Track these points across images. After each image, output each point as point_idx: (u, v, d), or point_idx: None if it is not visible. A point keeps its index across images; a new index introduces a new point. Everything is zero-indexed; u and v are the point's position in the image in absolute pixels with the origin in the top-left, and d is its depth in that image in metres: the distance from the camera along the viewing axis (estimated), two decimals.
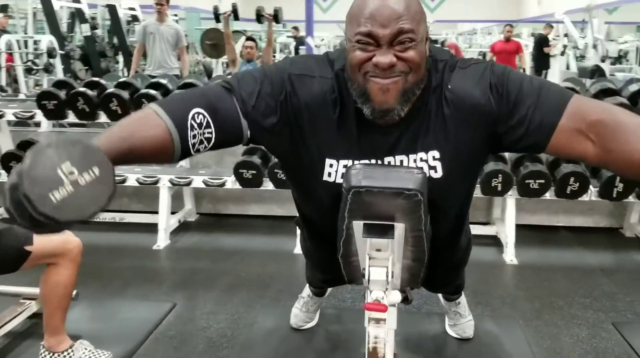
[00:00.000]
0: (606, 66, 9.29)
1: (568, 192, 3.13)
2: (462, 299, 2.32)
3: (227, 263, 3.22)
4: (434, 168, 1.30)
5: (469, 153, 1.30)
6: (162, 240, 3.48)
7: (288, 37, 12.16)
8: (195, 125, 1.18)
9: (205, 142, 1.22)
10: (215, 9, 5.82)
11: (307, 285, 2.40)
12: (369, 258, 1.37)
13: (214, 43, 8.11)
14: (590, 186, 3.14)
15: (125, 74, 7.96)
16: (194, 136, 1.19)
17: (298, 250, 3.38)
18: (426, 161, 1.29)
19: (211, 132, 1.22)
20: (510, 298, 2.76)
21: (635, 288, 2.92)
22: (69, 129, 4.91)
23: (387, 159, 1.30)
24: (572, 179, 3.10)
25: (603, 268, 3.15)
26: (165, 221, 3.51)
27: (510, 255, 3.22)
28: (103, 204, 0.97)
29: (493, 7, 19.44)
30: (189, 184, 3.50)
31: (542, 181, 3.12)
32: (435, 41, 13.83)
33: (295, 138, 1.32)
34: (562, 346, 2.35)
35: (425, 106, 1.26)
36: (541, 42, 10.16)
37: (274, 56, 8.57)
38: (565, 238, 3.62)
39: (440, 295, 2.37)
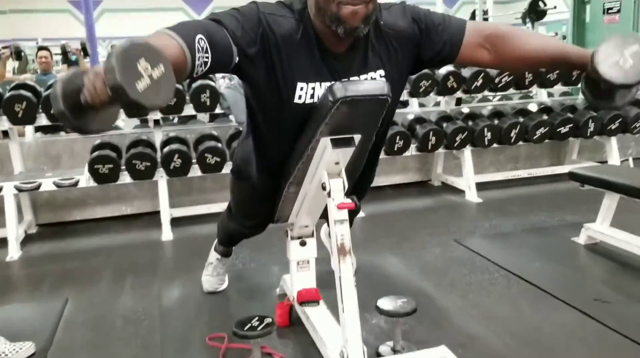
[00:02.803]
0: None
1: (395, 149, 3.74)
2: None
3: (100, 260, 3.18)
4: None
5: (402, 69, 1.70)
6: (14, 251, 3.26)
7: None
8: (200, 48, 1.36)
9: (203, 65, 1.40)
10: None
11: (213, 250, 2.58)
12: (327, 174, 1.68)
13: None
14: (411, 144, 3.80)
15: None
16: (199, 58, 1.37)
17: (165, 237, 3.47)
18: (374, 78, 1.65)
19: (208, 57, 1.40)
20: (372, 238, 3.24)
21: (457, 216, 3.64)
22: None
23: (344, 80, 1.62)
24: (397, 137, 3.71)
25: (429, 209, 3.84)
26: (15, 230, 3.30)
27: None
28: (171, 96, 1.21)
29: None
30: (38, 188, 3.34)
31: None
32: None
33: (270, 67, 1.56)
34: (427, 261, 2.88)
35: (367, 38, 1.62)
36: None
37: None
38: (391, 194, 4.26)
39: (326, 237, 2.73)
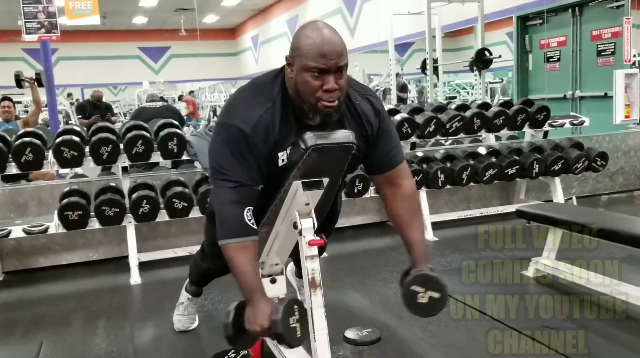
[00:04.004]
0: None
1: (355, 191, 3.95)
2: None
3: (70, 304, 3.23)
4: None
5: (363, 142, 1.90)
6: None
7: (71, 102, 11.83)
8: (251, 217, 1.78)
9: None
10: None
11: (184, 291, 2.68)
12: (298, 214, 1.86)
13: None
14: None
15: None
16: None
17: (134, 281, 3.54)
18: None
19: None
20: (336, 277, 3.40)
21: None
22: None
23: None
24: (357, 180, 3.92)
25: (388, 248, 4.03)
26: None
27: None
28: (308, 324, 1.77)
29: (214, 68, 20.87)
30: (7, 235, 3.39)
31: None
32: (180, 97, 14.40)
33: (259, 155, 1.77)
34: (388, 296, 3.06)
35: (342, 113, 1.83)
36: None
37: None
38: (352, 234, 4.44)
39: (291, 275, 2.88)
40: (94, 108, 8.71)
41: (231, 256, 1.78)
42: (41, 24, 5.68)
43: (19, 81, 5.70)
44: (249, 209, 1.78)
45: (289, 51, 1.77)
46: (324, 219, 2.07)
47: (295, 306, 1.72)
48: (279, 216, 1.96)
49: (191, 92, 15.44)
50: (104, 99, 9.58)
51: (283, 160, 1.80)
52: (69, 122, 9.89)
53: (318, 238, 1.85)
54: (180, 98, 13.35)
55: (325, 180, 1.82)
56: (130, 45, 20.47)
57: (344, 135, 1.73)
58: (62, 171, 4.87)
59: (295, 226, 1.86)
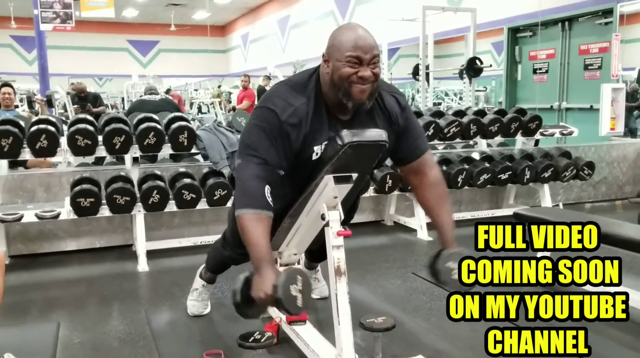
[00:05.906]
0: None
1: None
2: (319, 268, 3.02)
3: (81, 288, 3.33)
4: None
5: (392, 137, 2.04)
6: None
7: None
8: (270, 196, 1.87)
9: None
10: None
11: (198, 277, 2.81)
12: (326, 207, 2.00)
13: None
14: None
15: None
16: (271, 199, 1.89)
17: (142, 268, 3.65)
18: None
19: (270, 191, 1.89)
20: None
21: (412, 252, 4.01)
22: None
23: None
24: None
25: (385, 246, 4.20)
26: None
27: None
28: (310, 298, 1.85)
29: (201, 64, 20.88)
30: (20, 219, 3.47)
31: None
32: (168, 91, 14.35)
33: (292, 144, 1.91)
34: (390, 290, 3.22)
35: (372, 110, 1.99)
36: (260, 92, 11.66)
37: None
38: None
39: (301, 267, 3.01)
40: (80, 100, 8.82)
41: (247, 225, 1.84)
42: (57, 14, 5.75)
43: (30, 102, 6.01)
44: (269, 188, 1.89)
45: (325, 49, 1.94)
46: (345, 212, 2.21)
47: (299, 277, 1.78)
48: (305, 208, 2.10)
49: (220, 86, 15.60)
50: (89, 90, 9.62)
51: (317, 154, 1.94)
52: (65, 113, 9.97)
53: (344, 229, 2.00)
54: (168, 92, 13.42)
55: (355, 175, 1.96)
56: (119, 37, 20.40)
57: (377, 133, 1.88)
58: (55, 159, 4.93)
59: (323, 217, 2.00)
